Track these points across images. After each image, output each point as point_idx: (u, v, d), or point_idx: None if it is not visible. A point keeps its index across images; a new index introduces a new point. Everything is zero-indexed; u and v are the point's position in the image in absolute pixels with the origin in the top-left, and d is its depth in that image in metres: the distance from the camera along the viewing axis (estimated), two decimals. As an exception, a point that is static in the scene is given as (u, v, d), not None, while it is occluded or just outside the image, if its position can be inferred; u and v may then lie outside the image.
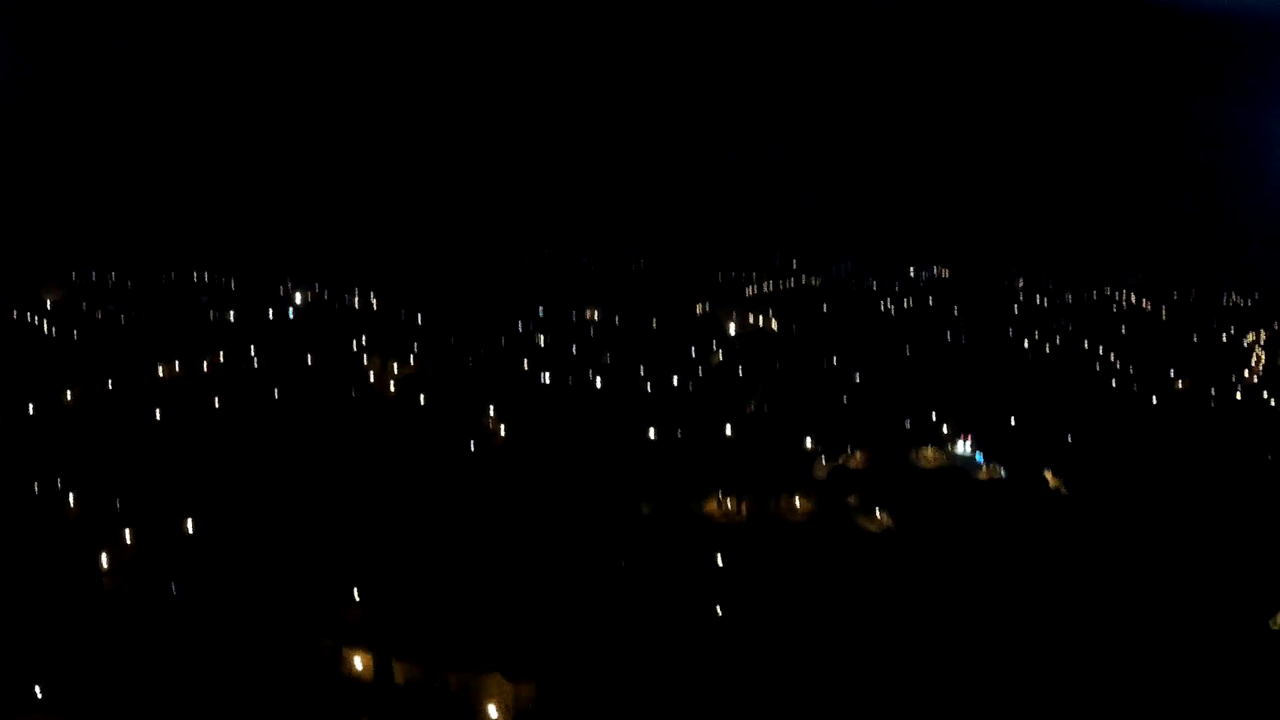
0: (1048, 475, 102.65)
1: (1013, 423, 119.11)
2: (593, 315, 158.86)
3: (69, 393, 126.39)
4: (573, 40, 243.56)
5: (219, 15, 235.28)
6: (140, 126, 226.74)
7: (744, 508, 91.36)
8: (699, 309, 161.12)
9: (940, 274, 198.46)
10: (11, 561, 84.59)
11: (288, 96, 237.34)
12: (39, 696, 66.73)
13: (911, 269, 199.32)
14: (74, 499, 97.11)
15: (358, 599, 78.64)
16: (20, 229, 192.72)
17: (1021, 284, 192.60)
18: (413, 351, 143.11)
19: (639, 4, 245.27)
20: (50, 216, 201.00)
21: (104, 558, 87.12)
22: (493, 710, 64.87)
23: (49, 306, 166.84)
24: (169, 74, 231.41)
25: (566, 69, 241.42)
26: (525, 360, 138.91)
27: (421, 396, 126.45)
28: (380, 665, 69.44)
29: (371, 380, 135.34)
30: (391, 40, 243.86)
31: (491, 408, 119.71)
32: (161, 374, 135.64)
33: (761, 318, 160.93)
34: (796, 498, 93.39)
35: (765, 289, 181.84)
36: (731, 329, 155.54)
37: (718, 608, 73.11)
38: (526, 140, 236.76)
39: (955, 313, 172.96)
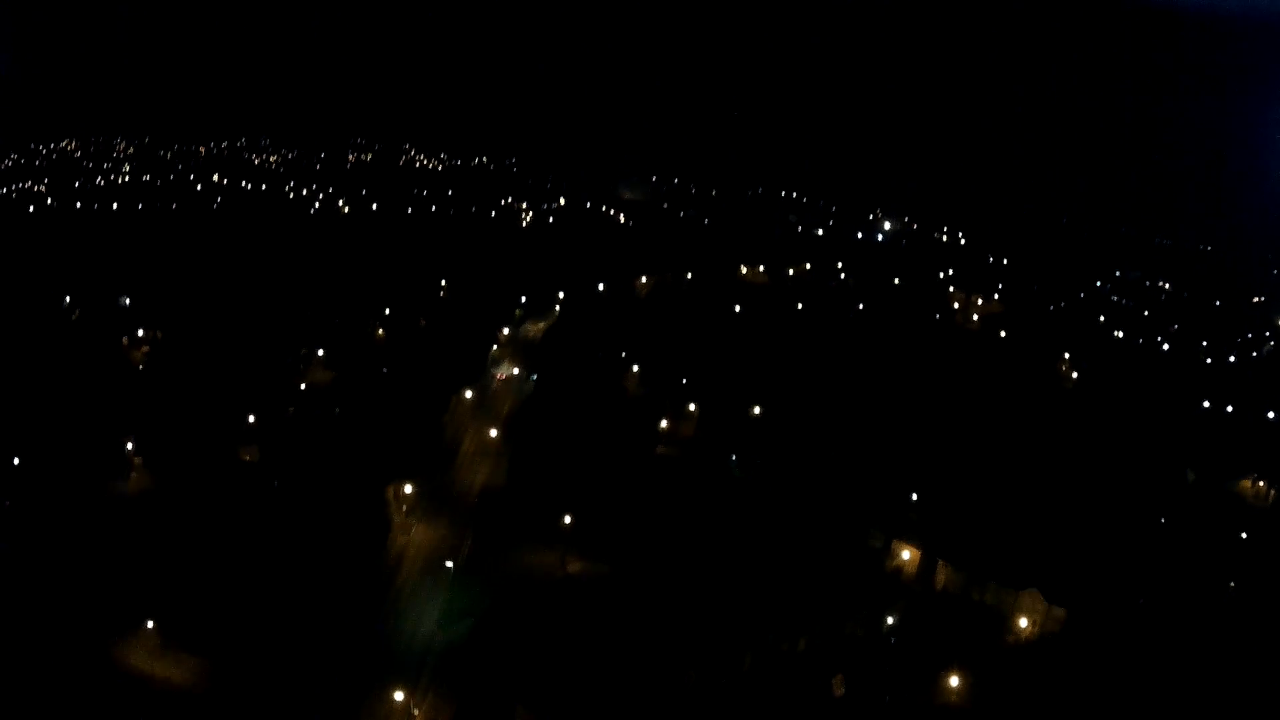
0: None
1: None
2: (1163, 286, 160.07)
3: (643, 279, 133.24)
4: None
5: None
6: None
7: (1271, 494, 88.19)
8: (1255, 299, 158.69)
9: None
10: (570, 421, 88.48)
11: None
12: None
13: None
14: (637, 371, 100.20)
15: (915, 500, 78.97)
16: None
17: None
18: (997, 291, 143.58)
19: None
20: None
21: (663, 424, 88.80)
22: (1023, 622, 65.31)
23: (625, 203, 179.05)
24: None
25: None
26: (1101, 316, 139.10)
27: (1001, 333, 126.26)
28: (925, 564, 70.64)
29: (955, 309, 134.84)
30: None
31: (1066, 354, 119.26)
32: (744, 274, 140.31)
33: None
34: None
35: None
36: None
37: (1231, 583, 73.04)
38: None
39: None
